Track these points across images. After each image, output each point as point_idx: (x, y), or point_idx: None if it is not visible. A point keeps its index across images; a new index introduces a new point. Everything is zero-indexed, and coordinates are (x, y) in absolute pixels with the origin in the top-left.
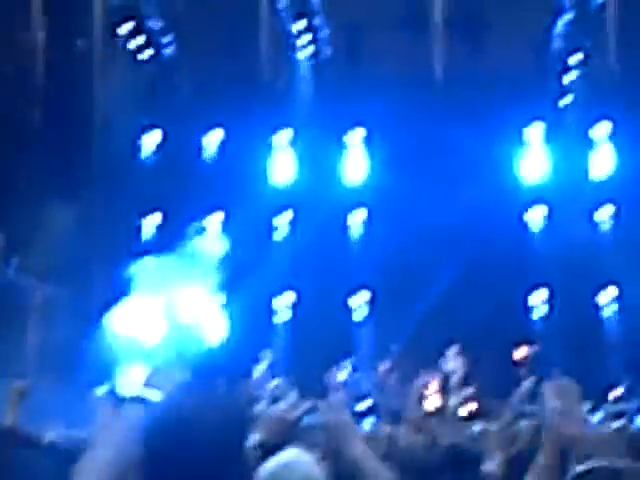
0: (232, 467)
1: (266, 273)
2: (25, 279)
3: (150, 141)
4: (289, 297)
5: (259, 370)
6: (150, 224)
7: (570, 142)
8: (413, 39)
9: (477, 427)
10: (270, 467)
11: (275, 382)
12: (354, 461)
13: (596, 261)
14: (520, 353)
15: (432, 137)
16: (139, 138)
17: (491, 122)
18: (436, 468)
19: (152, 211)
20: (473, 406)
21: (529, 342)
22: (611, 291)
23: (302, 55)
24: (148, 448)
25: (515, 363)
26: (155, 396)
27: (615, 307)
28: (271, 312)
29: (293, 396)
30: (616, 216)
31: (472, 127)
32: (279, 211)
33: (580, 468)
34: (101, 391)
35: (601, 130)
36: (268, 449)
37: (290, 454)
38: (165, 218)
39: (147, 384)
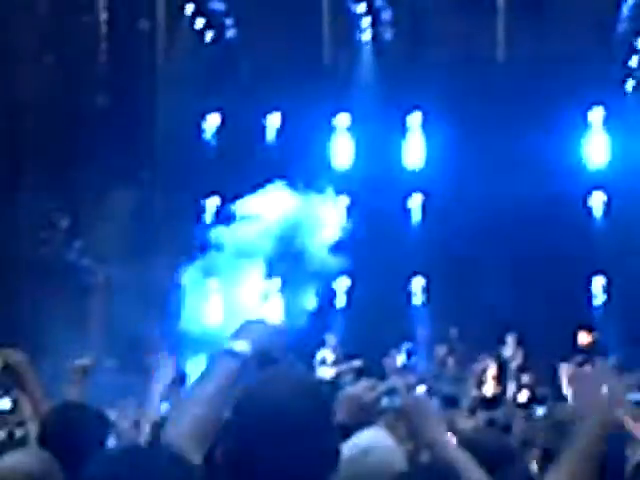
0: (321, 451)
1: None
2: (87, 261)
3: (212, 123)
4: (346, 282)
5: (324, 354)
6: (210, 207)
7: (633, 127)
8: (475, 22)
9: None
10: (347, 452)
11: (354, 363)
12: (432, 444)
13: None
14: (584, 339)
15: (494, 121)
16: (201, 120)
17: (553, 105)
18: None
19: (212, 194)
20: (528, 394)
21: (590, 329)
22: None
23: (364, 38)
24: (237, 428)
25: (577, 350)
26: (244, 347)
27: None
28: (333, 296)
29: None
30: None
31: (534, 110)
32: (339, 195)
33: None
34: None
35: None
36: (347, 431)
37: (369, 437)
38: (224, 201)
39: (236, 336)
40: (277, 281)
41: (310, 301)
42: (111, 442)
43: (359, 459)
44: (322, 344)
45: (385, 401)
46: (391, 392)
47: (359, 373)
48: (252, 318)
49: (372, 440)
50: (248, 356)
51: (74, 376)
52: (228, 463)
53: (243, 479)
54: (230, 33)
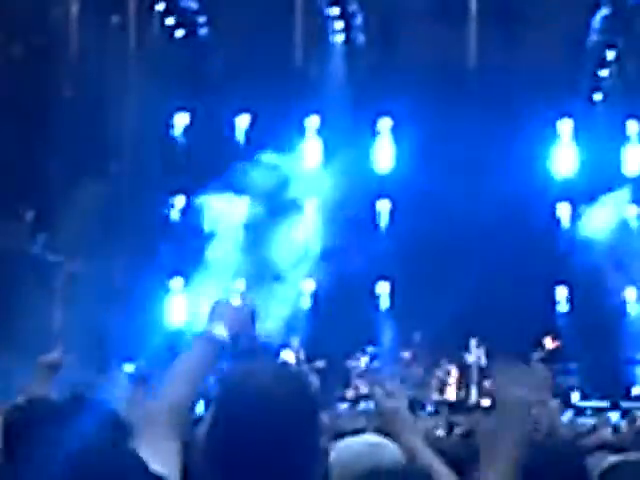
0: (307, 438)
1: (292, 258)
2: (52, 255)
3: (181, 121)
4: (311, 285)
5: (287, 355)
6: (177, 204)
7: (601, 138)
8: (447, 29)
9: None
10: (356, 447)
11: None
12: (408, 450)
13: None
14: (549, 344)
15: (463, 128)
16: (170, 118)
17: (523, 115)
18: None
19: (178, 192)
20: (491, 399)
21: (554, 335)
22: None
23: (336, 41)
24: (223, 415)
25: (543, 358)
26: (222, 332)
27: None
28: (299, 299)
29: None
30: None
31: (503, 118)
32: (307, 197)
33: (609, 461)
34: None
35: (632, 127)
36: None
37: (371, 437)
38: (190, 199)
39: (211, 319)
40: (241, 282)
41: (275, 303)
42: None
43: (373, 453)
44: (285, 346)
45: (362, 406)
46: (367, 398)
47: (322, 375)
48: (222, 300)
49: (377, 439)
50: (226, 341)
51: (40, 372)
52: (213, 453)
53: (229, 470)
54: (201, 32)
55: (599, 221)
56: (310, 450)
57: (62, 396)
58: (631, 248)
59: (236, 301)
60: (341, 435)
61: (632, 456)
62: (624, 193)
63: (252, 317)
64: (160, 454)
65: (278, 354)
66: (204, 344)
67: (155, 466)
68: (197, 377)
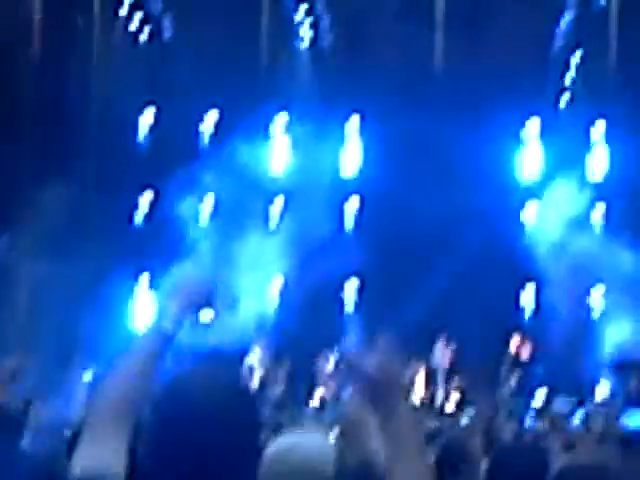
0: (243, 439)
1: (259, 257)
2: (15, 256)
3: (147, 120)
4: (279, 283)
5: (252, 357)
6: (144, 202)
7: (567, 141)
8: (414, 30)
9: (463, 420)
10: (274, 448)
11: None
12: (369, 453)
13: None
14: (515, 343)
15: (429, 128)
16: (137, 117)
17: (489, 116)
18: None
19: (146, 189)
20: (457, 397)
21: (522, 334)
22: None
23: (302, 40)
24: (158, 411)
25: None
26: (168, 325)
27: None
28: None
29: None
30: (607, 217)
31: (470, 119)
32: (273, 197)
33: (565, 462)
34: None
35: (598, 130)
36: None
37: (300, 435)
38: (157, 197)
39: (161, 314)
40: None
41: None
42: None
43: (282, 455)
44: (252, 344)
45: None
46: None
47: (289, 375)
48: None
49: (301, 438)
50: (171, 334)
51: (1, 377)
52: (149, 459)
53: (167, 470)
54: (167, 31)
55: (549, 217)
56: (242, 460)
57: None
58: (588, 247)
59: (191, 270)
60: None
61: (582, 459)
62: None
63: (211, 289)
64: (105, 451)
65: (245, 352)
66: (151, 337)
67: (99, 463)
68: (144, 372)
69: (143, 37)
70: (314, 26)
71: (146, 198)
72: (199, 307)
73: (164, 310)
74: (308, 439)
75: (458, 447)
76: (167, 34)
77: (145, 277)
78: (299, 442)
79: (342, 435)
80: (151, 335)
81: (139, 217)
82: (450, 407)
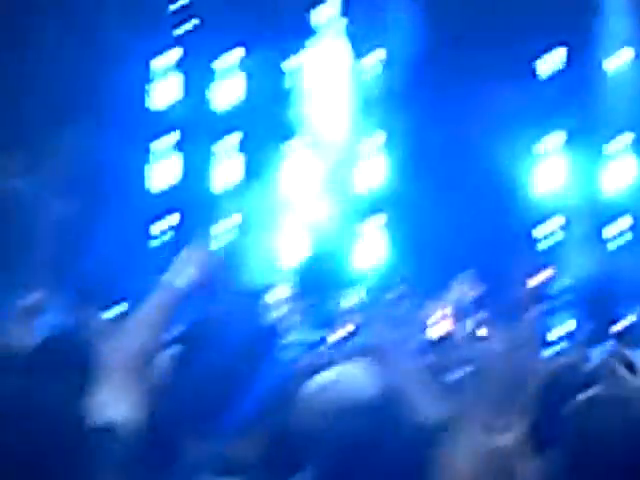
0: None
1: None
2: (38, 195)
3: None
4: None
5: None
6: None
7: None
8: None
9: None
10: (310, 388)
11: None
12: (394, 386)
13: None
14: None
15: (441, 78)
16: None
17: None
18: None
19: None
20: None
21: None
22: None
23: None
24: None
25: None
26: (182, 281)
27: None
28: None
29: None
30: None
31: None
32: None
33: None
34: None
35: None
36: None
37: (339, 372)
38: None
39: (176, 267)
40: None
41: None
42: None
43: (317, 396)
44: (274, 284)
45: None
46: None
47: (309, 314)
48: (190, 248)
49: (337, 376)
50: (184, 289)
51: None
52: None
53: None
54: None
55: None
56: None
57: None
58: None
59: (204, 249)
60: None
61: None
62: None
63: (222, 264)
64: (123, 400)
65: (264, 294)
66: (163, 292)
67: (117, 411)
68: (158, 324)
69: None
70: None
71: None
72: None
73: (177, 269)
74: (343, 376)
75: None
76: None
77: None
78: (338, 379)
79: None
80: (162, 290)
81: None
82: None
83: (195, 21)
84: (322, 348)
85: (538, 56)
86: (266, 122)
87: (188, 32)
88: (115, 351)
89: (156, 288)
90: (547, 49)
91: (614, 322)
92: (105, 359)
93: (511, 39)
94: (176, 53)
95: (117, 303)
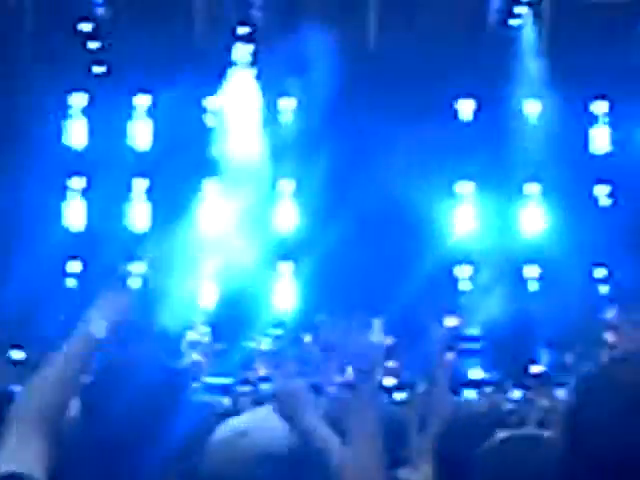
0: (164, 422)
1: (193, 238)
2: None
3: (77, 102)
4: (211, 265)
5: (192, 336)
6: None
7: (502, 118)
8: (348, 12)
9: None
10: (224, 433)
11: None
12: (305, 431)
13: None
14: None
15: (362, 110)
16: (67, 99)
17: (423, 96)
18: None
19: (75, 174)
20: (393, 381)
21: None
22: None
23: (236, 21)
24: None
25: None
26: (100, 328)
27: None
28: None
29: None
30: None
31: (403, 99)
32: (207, 176)
33: (500, 436)
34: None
35: (533, 107)
36: None
37: (251, 418)
38: (90, 202)
39: (95, 314)
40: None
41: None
42: None
43: (234, 441)
44: (191, 327)
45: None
46: (264, 380)
47: (223, 357)
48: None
49: (252, 421)
50: (103, 337)
51: None
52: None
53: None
54: (100, 11)
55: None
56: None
57: None
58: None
59: (117, 290)
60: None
61: (522, 431)
62: None
63: (132, 306)
64: (27, 454)
65: (180, 337)
66: (78, 341)
67: (20, 465)
68: (70, 376)
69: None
70: (248, 5)
71: (80, 181)
72: (125, 323)
73: (92, 317)
74: (259, 422)
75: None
76: (98, 13)
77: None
78: (250, 426)
79: (278, 411)
80: (78, 339)
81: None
82: (388, 383)
83: (103, 67)
84: (236, 391)
85: (455, 100)
86: (180, 163)
87: (102, 74)
88: (25, 403)
89: (73, 335)
90: (463, 95)
91: (528, 366)
92: (15, 408)
93: (429, 84)
94: (88, 95)
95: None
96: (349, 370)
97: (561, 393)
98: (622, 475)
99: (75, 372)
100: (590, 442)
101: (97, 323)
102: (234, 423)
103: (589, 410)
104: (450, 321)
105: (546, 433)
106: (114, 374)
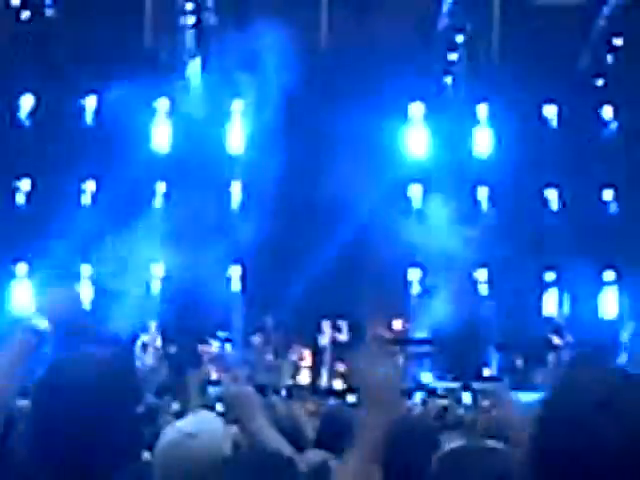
0: (115, 425)
1: (144, 242)
2: None
3: (26, 104)
4: (160, 269)
5: (145, 339)
6: (22, 188)
7: (452, 121)
8: (298, 8)
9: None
10: (171, 435)
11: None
12: (254, 433)
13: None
14: (397, 326)
15: (315, 108)
16: (15, 99)
17: (375, 97)
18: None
19: (24, 176)
20: (342, 383)
21: (404, 318)
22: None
23: (187, 22)
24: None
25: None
26: (43, 324)
27: (486, 289)
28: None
29: None
30: (491, 198)
31: (356, 101)
32: (158, 180)
33: (450, 447)
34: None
35: (481, 111)
36: None
37: (196, 421)
38: (35, 184)
39: (37, 311)
40: (88, 268)
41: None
42: None
43: (183, 443)
44: (144, 329)
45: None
46: (214, 383)
47: (173, 360)
48: (53, 289)
49: (199, 424)
50: (47, 332)
51: None
52: (30, 443)
53: (44, 459)
54: (49, 12)
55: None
56: (115, 454)
57: None
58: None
59: (59, 289)
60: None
61: (475, 442)
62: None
63: (77, 304)
64: None
65: (134, 339)
66: (22, 335)
67: None
68: (12, 370)
69: (23, 16)
70: (198, 6)
71: (26, 183)
72: (67, 323)
73: (36, 313)
74: (205, 424)
75: (340, 419)
76: (48, 14)
77: (23, 265)
78: (198, 428)
79: (225, 414)
80: (20, 334)
81: (19, 201)
82: (337, 385)
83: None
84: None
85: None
86: (129, 165)
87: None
88: None
89: (15, 332)
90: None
91: (477, 369)
92: None
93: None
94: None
95: None
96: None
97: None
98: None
99: (17, 366)
100: (556, 447)
101: (40, 321)
102: (181, 425)
103: (554, 417)
104: (397, 324)
105: (500, 445)
106: (62, 374)
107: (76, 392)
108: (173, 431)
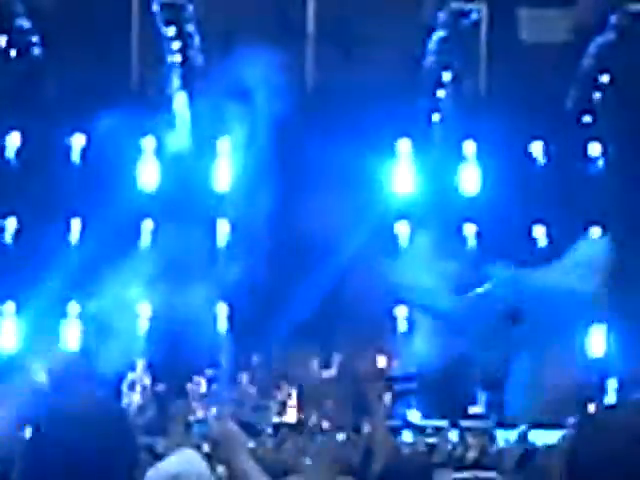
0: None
1: (130, 280)
2: None
3: (12, 142)
4: (147, 309)
5: (133, 376)
6: (9, 226)
7: (439, 158)
8: (285, 48)
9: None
10: (158, 476)
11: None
12: (239, 472)
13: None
14: (382, 363)
15: (300, 148)
16: (2, 138)
17: (362, 134)
18: None
19: (10, 214)
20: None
21: (389, 355)
22: None
23: (173, 61)
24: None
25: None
26: (41, 377)
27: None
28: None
29: None
30: (478, 235)
31: (343, 138)
32: (144, 217)
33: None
34: None
35: (468, 148)
36: None
37: (180, 462)
38: (22, 222)
39: (34, 361)
40: (77, 306)
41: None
42: None
43: None
44: (132, 368)
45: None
46: (200, 421)
47: (161, 398)
48: (49, 343)
49: (183, 465)
50: (44, 387)
51: None
52: None
53: None
54: (36, 51)
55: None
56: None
57: None
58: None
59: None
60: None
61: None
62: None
63: (80, 364)
64: None
65: (121, 378)
66: (22, 392)
67: None
68: (11, 421)
69: (11, 55)
70: (184, 46)
71: (12, 222)
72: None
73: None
74: (187, 465)
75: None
76: (35, 52)
77: (10, 304)
78: (180, 469)
79: (211, 452)
80: (23, 387)
81: (6, 240)
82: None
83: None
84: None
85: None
86: (117, 203)
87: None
88: None
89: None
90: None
91: (466, 406)
92: None
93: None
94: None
95: None
96: None
97: (499, 434)
98: None
99: (14, 419)
100: None
101: (37, 373)
102: (164, 466)
103: (585, 455)
104: (382, 361)
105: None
106: (55, 424)
107: (70, 441)
108: (157, 473)
